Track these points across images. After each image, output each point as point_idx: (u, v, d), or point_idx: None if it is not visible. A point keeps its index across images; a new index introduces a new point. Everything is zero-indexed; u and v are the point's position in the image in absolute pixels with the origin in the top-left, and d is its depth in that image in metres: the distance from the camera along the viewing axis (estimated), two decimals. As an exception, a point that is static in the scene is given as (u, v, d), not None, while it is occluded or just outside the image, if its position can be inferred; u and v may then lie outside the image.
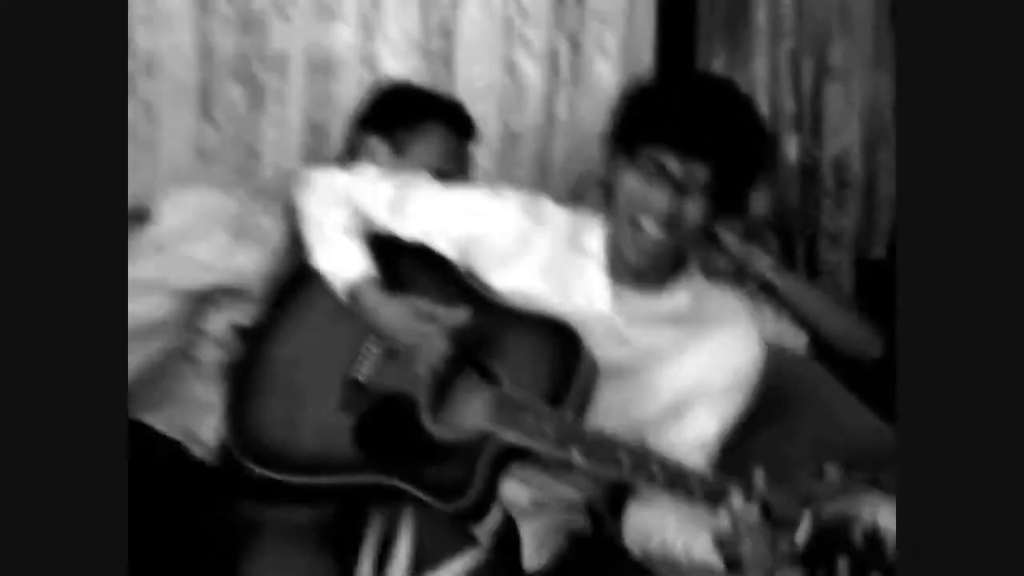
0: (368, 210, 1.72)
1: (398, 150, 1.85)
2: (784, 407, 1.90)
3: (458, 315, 1.61)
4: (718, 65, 2.44)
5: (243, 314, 1.78)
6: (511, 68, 2.34)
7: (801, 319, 2.18)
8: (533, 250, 1.64)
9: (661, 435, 1.62)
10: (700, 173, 1.48)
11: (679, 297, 1.63)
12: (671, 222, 1.50)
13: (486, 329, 1.66)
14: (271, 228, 1.83)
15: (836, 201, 2.50)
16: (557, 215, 1.67)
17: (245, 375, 1.73)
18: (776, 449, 1.79)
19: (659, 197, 1.49)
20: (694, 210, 1.49)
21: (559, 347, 1.57)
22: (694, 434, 1.64)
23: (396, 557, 1.02)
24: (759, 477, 1.44)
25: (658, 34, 2.37)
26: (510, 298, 1.66)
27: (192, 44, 2.13)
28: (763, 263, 2.19)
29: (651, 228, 1.51)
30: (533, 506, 1.65)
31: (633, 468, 1.47)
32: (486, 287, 1.66)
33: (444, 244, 1.68)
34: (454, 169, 1.85)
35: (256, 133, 2.22)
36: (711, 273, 2.08)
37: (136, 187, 1.97)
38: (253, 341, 1.76)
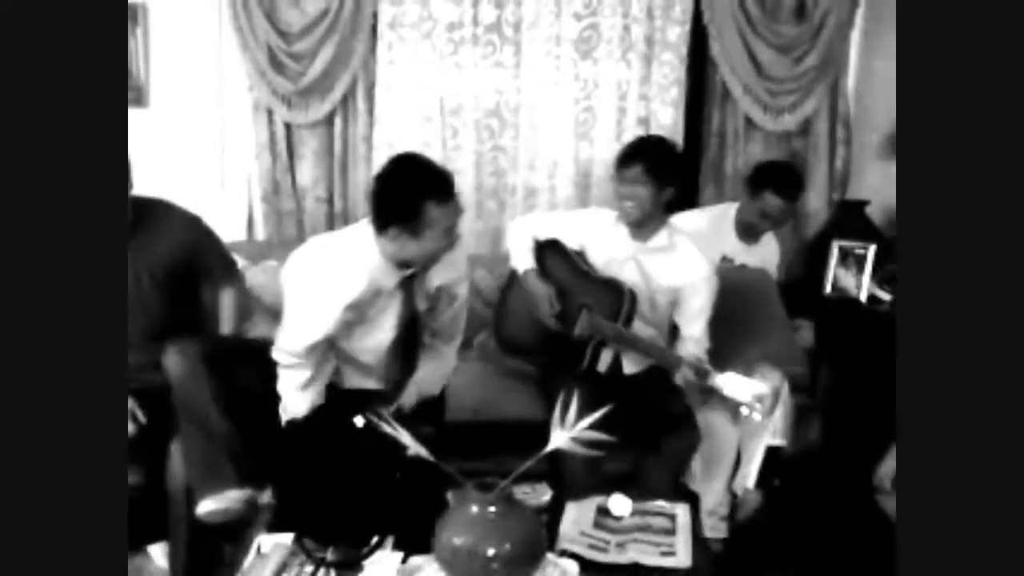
0: (538, 229, 2.55)
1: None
2: (741, 315, 2.62)
3: (555, 308, 2.41)
4: (708, 192, 3.61)
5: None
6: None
7: None
8: (598, 231, 2.48)
9: (676, 317, 2.45)
10: (638, 168, 2.32)
11: (661, 239, 2.42)
12: (631, 198, 2.34)
13: (570, 310, 2.36)
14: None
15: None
16: (607, 215, 2.49)
17: (502, 307, 2.65)
18: (733, 343, 2.56)
19: (623, 190, 2.35)
20: (641, 190, 2.33)
21: (618, 293, 2.37)
22: (689, 323, 2.41)
23: (570, 409, 1.47)
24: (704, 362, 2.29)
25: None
26: (598, 268, 2.41)
27: (472, 183, 3.49)
28: None
29: (627, 205, 2.37)
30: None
31: (655, 354, 2.37)
32: (587, 262, 2.47)
33: (570, 239, 2.52)
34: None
35: (501, 224, 3.50)
36: None
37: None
38: (504, 293, 2.67)
